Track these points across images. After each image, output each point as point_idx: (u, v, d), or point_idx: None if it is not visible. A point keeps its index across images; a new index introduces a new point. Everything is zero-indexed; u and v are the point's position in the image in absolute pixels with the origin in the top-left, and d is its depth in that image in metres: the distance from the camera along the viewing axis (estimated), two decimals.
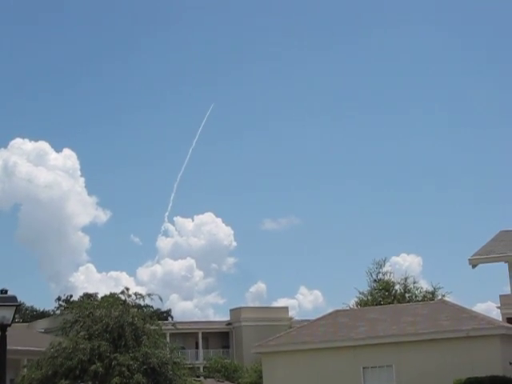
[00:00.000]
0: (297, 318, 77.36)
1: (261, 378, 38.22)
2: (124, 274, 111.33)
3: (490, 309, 69.64)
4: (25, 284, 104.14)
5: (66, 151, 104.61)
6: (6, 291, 15.05)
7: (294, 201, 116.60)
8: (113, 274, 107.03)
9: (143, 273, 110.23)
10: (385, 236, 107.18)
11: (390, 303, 44.27)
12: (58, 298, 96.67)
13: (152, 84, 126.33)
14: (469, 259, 24.26)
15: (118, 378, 28.85)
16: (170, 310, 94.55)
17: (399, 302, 44.27)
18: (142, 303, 34.11)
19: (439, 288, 48.30)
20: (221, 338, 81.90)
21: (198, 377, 51.63)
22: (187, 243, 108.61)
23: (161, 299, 35.02)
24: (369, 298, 48.45)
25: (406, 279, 49.65)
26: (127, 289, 33.44)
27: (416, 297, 47.98)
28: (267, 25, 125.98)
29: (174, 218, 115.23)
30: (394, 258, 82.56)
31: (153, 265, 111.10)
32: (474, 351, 28.30)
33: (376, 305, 44.40)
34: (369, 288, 49.79)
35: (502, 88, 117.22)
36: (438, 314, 31.13)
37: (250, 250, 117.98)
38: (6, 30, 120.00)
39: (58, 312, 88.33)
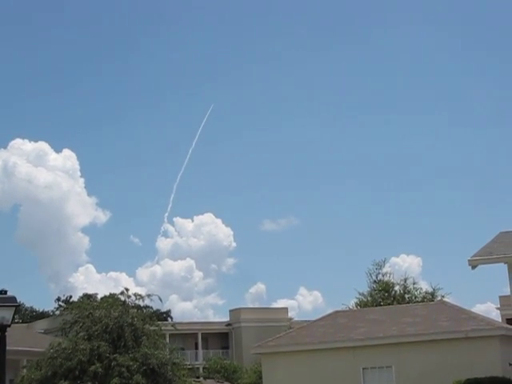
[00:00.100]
0: (296, 319, 77.29)
1: (260, 378, 38.22)
2: (124, 274, 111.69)
3: (489, 310, 69.83)
4: (24, 284, 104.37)
5: (66, 152, 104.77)
6: (5, 292, 15.04)
7: (294, 201, 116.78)
8: (112, 274, 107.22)
9: (143, 273, 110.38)
10: (384, 237, 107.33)
11: (389, 304, 44.26)
12: (58, 299, 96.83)
13: (152, 84, 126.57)
14: (468, 260, 24.18)
15: (117, 378, 28.82)
16: (169, 311, 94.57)
17: (399, 303, 44.26)
18: (142, 304, 34.10)
19: (439, 289, 48.32)
20: (220, 338, 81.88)
21: (198, 377, 51.68)
22: (187, 244, 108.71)
23: (160, 300, 35.02)
24: (368, 298, 48.42)
25: (405, 280, 49.63)
26: (127, 289, 33.41)
27: (416, 298, 47.95)
28: (267, 25, 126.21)
29: (174, 219, 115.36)
30: (394, 259, 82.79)
31: (152, 265, 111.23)
32: (473, 352, 28.30)
33: (376, 306, 44.37)
34: (368, 289, 49.82)
35: (502, 88, 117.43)
36: (437, 315, 31.13)
37: (250, 250, 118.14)
38: (6, 29, 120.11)
39: (58, 312, 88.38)
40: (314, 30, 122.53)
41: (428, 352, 28.93)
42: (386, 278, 50.14)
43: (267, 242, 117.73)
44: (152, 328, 32.53)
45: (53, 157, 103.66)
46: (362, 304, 47.62)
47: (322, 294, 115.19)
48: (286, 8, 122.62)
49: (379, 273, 50.53)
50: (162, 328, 34.70)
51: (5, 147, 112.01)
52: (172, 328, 53.96)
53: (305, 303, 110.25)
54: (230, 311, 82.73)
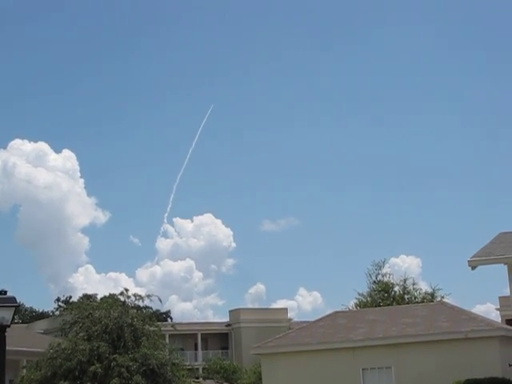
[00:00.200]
0: (296, 320, 77.39)
1: (260, 379, 38.20)
2: (123, 274, 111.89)
3: (489, 310, 70.02)
4: (24, 285, 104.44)
5: (66, 152, 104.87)
6: (5, 292, 15.02)
7: (294, 202, 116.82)
8: (112, 274, 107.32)
9: (142, 274, 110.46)
10: (384, 237, 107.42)
11: (389, 305, 44.28)
12: (58, 299, 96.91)
13: (152, 84, 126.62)
14: (468, 261, 24.15)
15: (117, 378, 28.79)
16: (169, 311, 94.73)
17: (398, 304, 44.27)
18: (142, 304, 34.04)
19: (438, 289, 48.31)
20: (220, 339, 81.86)
21: (198, 378, 51.69)
22: (186, 244, 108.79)
23: (160, 300, 34.98)
24: (368, 299, 48.42)
25: (405, 281, 49.63)
26: (126, 290, 33.37)
27: (415, 298, 47.95)
28: (267, 25, 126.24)
29: (174, 219, 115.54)
30: (394, 260, 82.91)
31: (152, 266, 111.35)
32: (473, 353, 28.30)
33: (375, 306, 44.37)
34: (368, 289, 49.82)
35: (502, 88, 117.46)
36: (437, 316, 31.14)
37: (250, 251, 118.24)
38: (6, 29, 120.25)
39: (58, 313, 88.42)
40: (314, 30, 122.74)
41: (428, 353, 28.93)
42: (385, 279, 50.16)
43: (267, 243, 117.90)
44: (152, 328, 32.49)
45: (52, 157, 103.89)
46: (361, 304, 47.62)
47: (322, 295, 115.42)
48: (287, 8, 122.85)
49: (379, 273, 50.57)
50: (162, 328, 34.64)
51: (4, 147, 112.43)
52: (172, 328, 54.05)
53: (304, 304, 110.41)
54: (230, 312, 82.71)
